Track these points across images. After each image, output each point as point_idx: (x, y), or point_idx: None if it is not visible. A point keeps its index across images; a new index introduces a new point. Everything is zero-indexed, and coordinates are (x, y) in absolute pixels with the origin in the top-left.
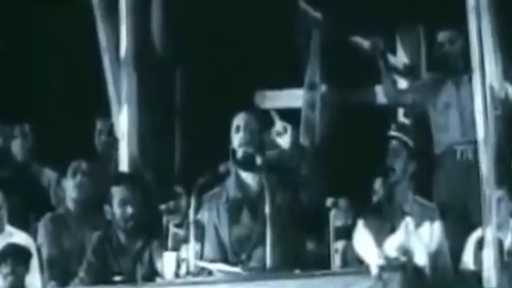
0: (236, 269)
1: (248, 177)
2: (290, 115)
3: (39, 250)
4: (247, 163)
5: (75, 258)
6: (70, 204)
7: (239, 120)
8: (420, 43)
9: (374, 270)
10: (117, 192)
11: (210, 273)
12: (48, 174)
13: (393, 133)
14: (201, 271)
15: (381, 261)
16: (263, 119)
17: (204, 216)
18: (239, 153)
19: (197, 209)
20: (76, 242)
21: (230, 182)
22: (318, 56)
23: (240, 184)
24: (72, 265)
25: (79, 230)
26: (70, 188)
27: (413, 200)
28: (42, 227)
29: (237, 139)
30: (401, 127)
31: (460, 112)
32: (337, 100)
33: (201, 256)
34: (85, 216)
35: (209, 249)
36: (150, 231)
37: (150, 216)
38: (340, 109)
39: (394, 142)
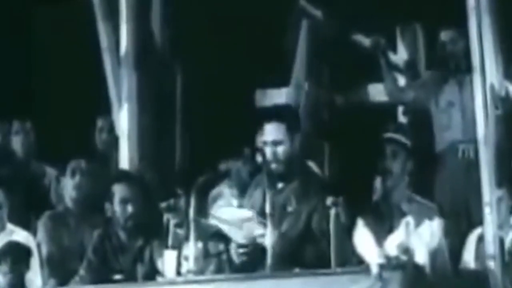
0: (249, 213)
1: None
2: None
3: (38, 248)
4: (279, 177)
5: (74, 256)
6: (69, 203)
7: (267, 135)
8: (420, 41)
9: (374, 269)
10: (118, 190)
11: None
12: (49, 172)
13: (390, 135)
14: (202, 269)
15: (381, 260)
16: (291, 121)
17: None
18: (269, 166)
19: (198, 208)
20: (76, 241)
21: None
22: (305, 55)
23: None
24: (71, 263)
25: (79, 229)
26: (70, 188)
27: (411, 199)
28: (41, 225)
29: (266, 153)
30: (398, 128)
31: (462, 111)
32: (337, 98)
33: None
34: (85, 214)
35: (213, 243)
36: (151, 230)
37: (150, 214)
38: (340, 107)
39: (391, 144)
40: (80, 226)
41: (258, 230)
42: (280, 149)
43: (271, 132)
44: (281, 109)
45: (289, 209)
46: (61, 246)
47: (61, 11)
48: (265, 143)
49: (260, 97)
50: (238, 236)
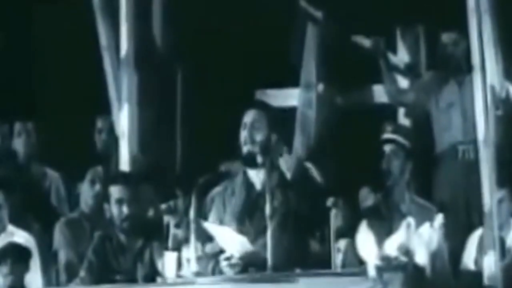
0: (242, 238)
1: (253, 175)
2: (291, 114)
3: (55, 254)
4: (249, 161)
5: None
6: (86, 209)
7: (247, 117)
8: (420, 42)
9: (371, 272)
10: (113, 191)
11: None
12: (50, 174)
13: (389, 135)
14: (202, 271)
15: (379, 263)
16: (273, 117)
17: (210, 212)
18: (243, 150)
19: (198, 209)
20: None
21: (238, 179)
22: (314, 55)
23: (246, 182)
24: None
25: (93, 234)
26: (89, 196)
27: (411, 200)
28: (58, 231)
29: (242, 136)
30: (398, 129)
31: (462, 112)
32: (338, 99)
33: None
34: (100, 220)
35: (210, 245)
36: (150, 231)
37: (149, 216)
38: (340, 108)
39: (390, 145)
40: (95, 231)
41: (254, 254)
42: (258, 133)
43: (251, 115)
44: (262, 104)
45: (288, 208)
46: (78, 252)
47: (62, 11)
48: (244, 125)
49: (260, 98)
50: (233, 249)
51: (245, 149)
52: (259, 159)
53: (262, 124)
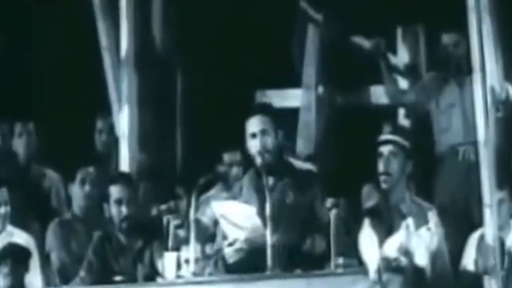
0: (251, 208)
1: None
2: (291, 115)
3: (48, 256)
4: (269, 170)
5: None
6: (77, 211)
7: (253, 126)
8: (420, 43)
9: (372, 274)
10: (113, 191)
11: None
12: (50, 175)
13: (388, 136)
14: (202, 271)
15: (381, 262)
16: (276, 115)
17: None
18: (257, 160)
19: (198, 209)
20: (85, 247)
21: (246, 178)
22: (314, 57)
23: (256, 180)
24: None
25: (87, 235)
26: (79, 197)
27: (411, 200)
28: (51, 233)
29: (253, 147)
30: (397, 130)
31: (463, 113)
32: (338, 101)
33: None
34: (93, 221)
35: (210, 245)
36: (150, 231)
37: (149, 216)
38: (341, 109)
39: (389, 146)
40: (88, 232)
41: (261, 229)
42: (269, 140)
43: (257, 123)
44: (263, 106)
45: (288, 200)
46: (71, 254)
47: (62, 11)
48: (253, 135)
49: (260, 98)
50: (237, 233)
51: (259, 160)
52: (274, 165)
53: (270, 129)
